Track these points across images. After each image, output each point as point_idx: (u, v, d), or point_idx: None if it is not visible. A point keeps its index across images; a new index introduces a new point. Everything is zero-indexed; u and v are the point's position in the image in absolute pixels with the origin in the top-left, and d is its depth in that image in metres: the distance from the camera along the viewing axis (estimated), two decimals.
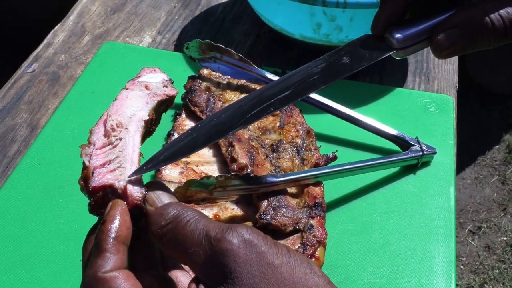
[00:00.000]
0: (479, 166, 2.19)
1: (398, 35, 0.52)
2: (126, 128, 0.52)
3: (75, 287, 0.66)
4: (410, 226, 0.73)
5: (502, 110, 2.39)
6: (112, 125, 0.52)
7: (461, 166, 2.16)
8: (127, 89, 0.59)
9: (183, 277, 0.49)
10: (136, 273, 0.43)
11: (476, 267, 1.87)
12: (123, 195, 0.46)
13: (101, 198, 0.47)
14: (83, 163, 0.49)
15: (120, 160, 0.49)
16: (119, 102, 0.56)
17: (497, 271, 1.86)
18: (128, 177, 0.48)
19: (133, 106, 0.56)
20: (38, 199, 0.75)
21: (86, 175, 0.48)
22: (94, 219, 0.72)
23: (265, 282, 0.40)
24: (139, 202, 0.46)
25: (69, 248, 0.70)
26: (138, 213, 0.46)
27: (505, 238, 1.95)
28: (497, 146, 2.26)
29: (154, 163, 0.50)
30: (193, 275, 0.45)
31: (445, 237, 0.72)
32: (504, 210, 2.04)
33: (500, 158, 2.22)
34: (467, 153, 2.21)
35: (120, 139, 0.51)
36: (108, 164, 0.49)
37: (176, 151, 0.51)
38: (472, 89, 2.41)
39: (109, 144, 0.51)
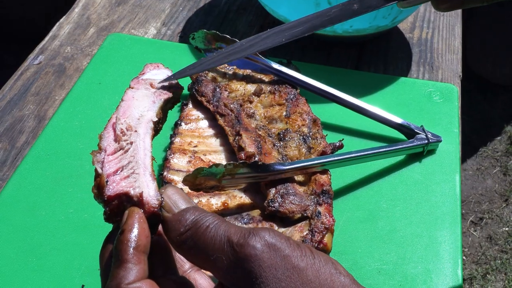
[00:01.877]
0: (481, 157, 2.20)
1: None
2: (136, 131, 0.52)
3: (86, 274, 0.67)
4: (416, 213, 0.74)
5: (504, 101, 2.39)
6: (121, 129, 0.51)
7: (463, 157, 2.16)
8: (132, 88, 0.59)
9: (202, 279, 0.49)
10: (156, 280, 0.43)
11: (478, 258, 1.88)
12: (139, 202, 0.46)
13: (116, 207, 0.47)
14: (95, 170, 0.48)
15: (133, 166, 0.49)
16: (126, 103, 0.56)
17: (499, 261, 1.87)
18: (159, 82, 0.56)
19: (140, 107, 0.56)
20: (47, 189, 0.76)
21: (99, 183, 0.47)
22: (102, 208, 0.73)
23: (292, 286, 0.40)
24: (156, 209, 0.45)
25: (79, 236, 0.71)
26: (156, 220, 0.46)
27: (507, 229, 1.96)
28: (499, 138, 2.27)
29: (183, 73, 0.61)
30: (211, 276, 0.45)
31: (450, 224, 0.73)
32: (506, 201, 2.05)
33: (502, 150, 2.22)
34: (469, 144, 2.21)
35: (131, 143, 0.51)
36: (121, 171, 0.48)
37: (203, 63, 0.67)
38: (473, 81, 2.42)
39: (120, 149, 0.50)
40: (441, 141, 0.81)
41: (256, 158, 0.71)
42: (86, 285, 0.66)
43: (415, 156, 0.81)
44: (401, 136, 0.82)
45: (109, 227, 0.71)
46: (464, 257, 1.88)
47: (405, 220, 0.73)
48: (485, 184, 2.11)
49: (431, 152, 0.81)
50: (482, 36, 2.34)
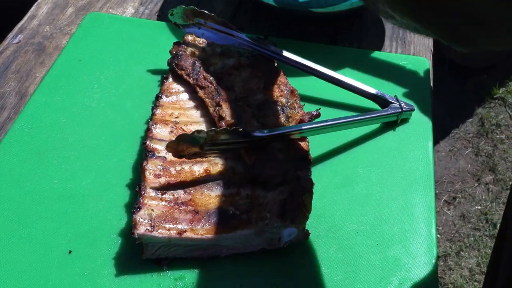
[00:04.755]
0: (453, 139, 2.24)
1: None
2: None
3: (72, 241, 0.68)
4: (392, 178, 0.77)
5: (475, 84, 2.44)
6: None
7: (435, 139, 2.21)
8: None
9: None
10: None
11: (452, 236, 1.93)
12: None
13: None
14: None
15: None
16: None
17: (472, 238, 1.91)
18: None
19: None
20: (31, 161, 0.77)
21: None
22: (87, 178, 0.75)
23: None
24: None
25: (65, 205, 0.72)
26: None
27: (479, 207, 2.01)
28: (470, 120, 2.32)
29: None
30: None
31: (424, 188, 0.76)
32: (478, 180, 2.10)
33: (474, 131, 2.27)
34: (442, 127, 2.26)
35: None
36: None
37: None
38: (445, 66, 2.46)
39: None
40: (414, 110, 0.84)
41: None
42: (73, 251, 0.67)
43: (390, 125, 0.83)
44: (376, 106, 0.85)
45: (94, 196, 0.73)
46: (438, 235, 1.92)
47: (381, 185, 0.76)
48: (457, 164, 2.16)
49: (405, 120, 0.84)
50: None
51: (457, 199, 2.04)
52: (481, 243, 1.89)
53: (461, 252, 1.87)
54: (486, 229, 1.94)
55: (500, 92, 2.39)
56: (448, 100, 2.36)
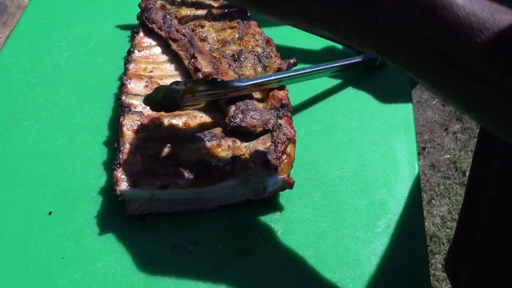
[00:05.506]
0: (420, 90, 2.25)
1: None
2: None
3: (51, 202, 0.66)
4: (372, 124, 0.76)
5: None
6: None
7: None
8: None
9: None
10: None
11: (423, 185, 1.95)
12: None
13: None
14: None
15: None
16: None
17: (442, 187, 1.94)
18: None
19: None
20: (2, 123, 0.74)
21: None
22: (61, 137, 0.73)
23: None
24: None
25: (41, 166, 0.70)
26: None
27: (448, 156, 2.04)
28: None
29: None
30: None
31: (405, 131, 0.76)
32: (446, 130, 2.12)
33: None
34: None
35: None
36: None
37: None
38: None
39: None
40: None
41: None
42: (53, 212, 0.66)
43: (368, 71, 0.82)
44: (352, 53, 0.84)
45: (70, 155, 0.71)
46: None
47: (362, 131, 0.75)
48: (425, 115, 2.18)
49: (383, 66, 0.83)
50: None
51: (427, 149, 2.06)
52: (452, 191, 1.92)
53: (432, 201, 1.90)
54: (455, 177, 1.97)
55: None
56: None
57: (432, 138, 2.10)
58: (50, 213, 0.65)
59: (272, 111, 0.70)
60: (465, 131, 2.11)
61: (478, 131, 2.09)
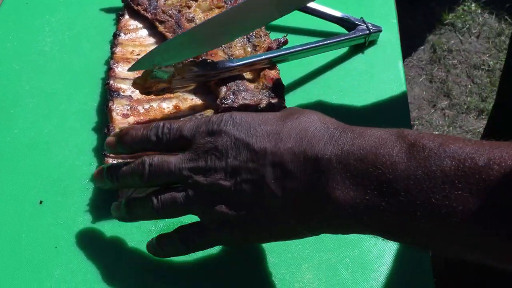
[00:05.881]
0: (407, 67, 2.25)
1: None
2: None
3: (42, 191, 0.65)
4: (366, 100, 0.75)
5: (424, 12, 2.44)
6: None
7: None
8: None
9: None
10: None
11: None
12: None
13: None
14: None
15: None
16: None
17: None
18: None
19: None
20: None
21: None
22: (49, 124, 0.71)
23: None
24: None
25: (29, 155, 0.68)
26: None
27: (437, 133, 2.03)
28: (422, 47, 2.33)
29: None
30: None
31: (398, 106, 0.75)
32: (433, 106, 2.12)
33: (426, 58, 2.28)
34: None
35: None
36: None
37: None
38: None
39: None
40: (381, 30, 0.82)
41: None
42: (44, 201, 0.64)
43: (358, 48, 0.81)
44: (342, 30, 0.82)
45: (59, 143, 0.69)
46: None
47: (354, 108, 0.74)
48: (413, 92, 2.17)
49: (373, 43, 0.82)
50: None
51: (415, 126, 2.06)
52: None
53: None
54: None
55: (450, 17, 2.40)
56: (399, 30, 2.35)
57: (420, 115, 2.10)
58: (41, 202, 0.64)
59: (264, 91, 0.69)
60: (453, 107, 2.11)
61: (477, 88, 2.09)
